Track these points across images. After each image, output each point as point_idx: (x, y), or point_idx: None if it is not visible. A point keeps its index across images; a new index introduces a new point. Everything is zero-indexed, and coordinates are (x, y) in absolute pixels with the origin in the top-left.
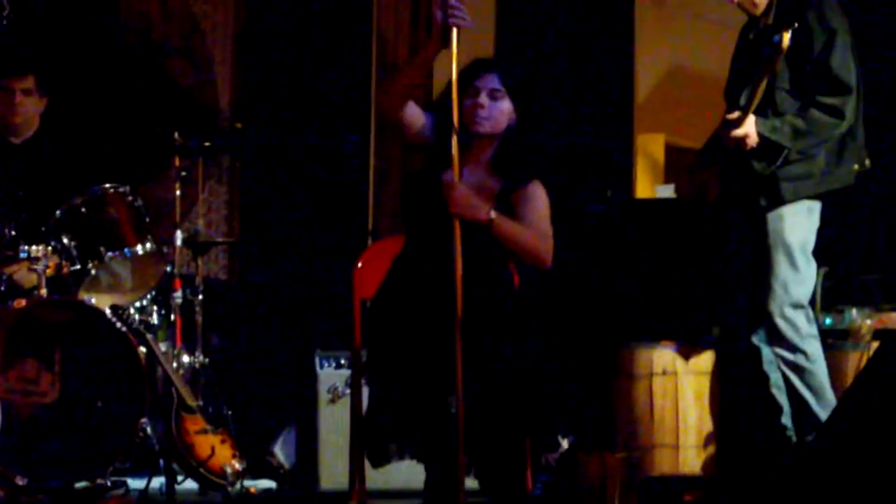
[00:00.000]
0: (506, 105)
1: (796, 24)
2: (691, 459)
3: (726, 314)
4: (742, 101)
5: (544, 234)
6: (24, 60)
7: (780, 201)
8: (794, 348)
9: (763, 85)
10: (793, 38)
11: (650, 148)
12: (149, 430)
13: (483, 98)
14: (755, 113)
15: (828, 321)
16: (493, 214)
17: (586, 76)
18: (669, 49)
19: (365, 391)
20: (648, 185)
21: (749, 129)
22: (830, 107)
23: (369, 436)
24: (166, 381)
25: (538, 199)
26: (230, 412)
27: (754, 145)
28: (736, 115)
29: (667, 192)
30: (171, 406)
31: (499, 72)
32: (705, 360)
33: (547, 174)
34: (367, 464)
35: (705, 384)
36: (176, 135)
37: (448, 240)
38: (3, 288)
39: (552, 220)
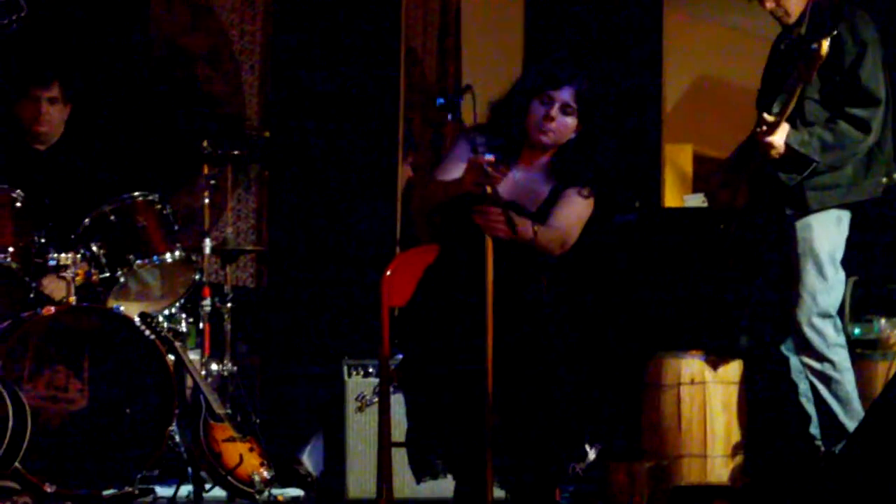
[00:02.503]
0: (572, 121)
1: (835, 32)
2: (719, 469)
3: (754, 323)
4: (775, 109)
5: (564, 227)
6: (49, 69)
7: (806, 210)
8: (821, 358)
9: (797, 93)
10: (830, 46)
11: (678, 158)
12: (177, 438)
13: (555, 111)
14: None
15: (856, 331)
16: (534, 230)
17: (615, 86)
18: (697, 60)
19: (393, 399)
20: (677, 195)
21: (778, 138)
22: (858, 119)
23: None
24: (195, 389)
25: (572, 202)
26: (258, 420)
27: (778, 156)
28: (773, 117)
29: (695, 201)
30: (199, 414)
31: (575, 88)
32: (733, 369)
33: (601, 182)
34: (394, 472)
35: (733, 394)
36: (205, 143)
37: (480, 250)
38: (32, 296)
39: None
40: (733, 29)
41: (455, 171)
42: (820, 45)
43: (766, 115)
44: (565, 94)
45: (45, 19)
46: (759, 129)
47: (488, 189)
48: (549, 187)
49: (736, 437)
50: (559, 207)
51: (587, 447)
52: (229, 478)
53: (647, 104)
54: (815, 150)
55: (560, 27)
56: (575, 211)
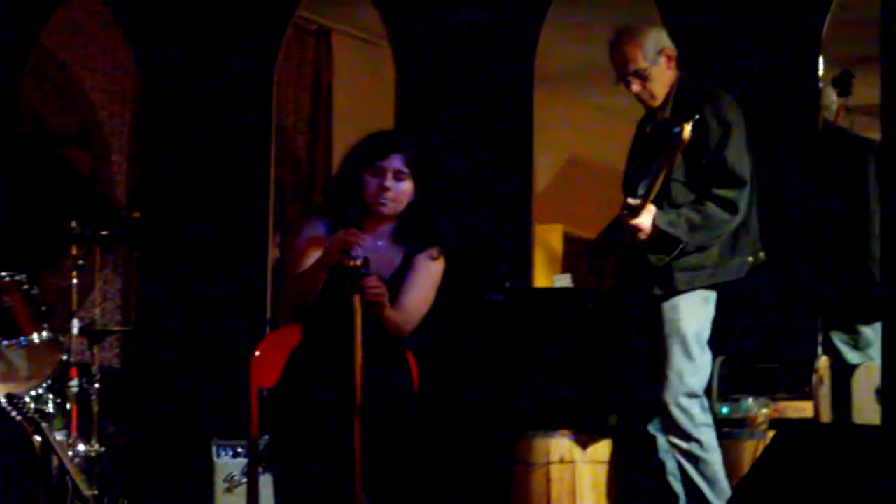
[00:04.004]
0: (408, 185)
1: (697, 117)
2: None
3: (623, 403)
4: (640, 191)
5: (412, 309)
6: None
7: (674, 291)
8: (688, 437)
9: (662, 176)
10: (692, 131)
11: (548, 238)
12: None
13: (389, 181)
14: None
15: (724, 410)
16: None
17: (485, 166)
18: (567, 139)
19: (262, 480)
20: (546, 275)
21: (644, 220)
22: (725, 200)
23: None
24: (61, 470)
25: (424, 273)
26: (126, 502)
27: (645, 238)
28: (637, 201)
29: (564, 281)
30: (66, 496)
31: (404, 152)
32: (602, 448)
33: (447, 241)
34: None
35: (602, 473)
36: (73, 223)
37: (347, 330)
38: None
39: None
40: (603, 109)
41: (312, 255)
42: (682, 130)
43: (630, 200)
44: (395, 162)
45: None
46: (624, 212)
47: (352, 262)
48: (400, 255)
49: None
50: (411, 281)
51: None
52: None
53: (518, 184)
54: (683, 232)
55: (431, 104)
56: (426, 282)
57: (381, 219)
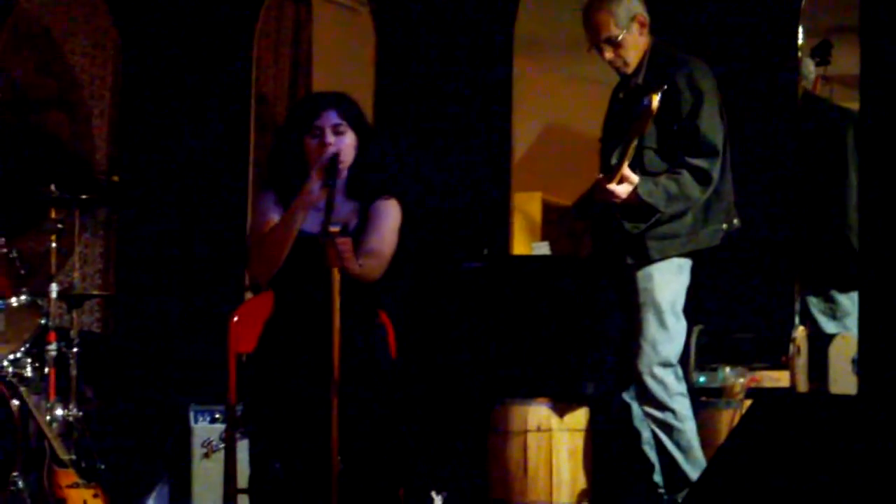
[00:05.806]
0: (350, 137)
1: (666, 87)
2: None
3: (599, 371)
4: (613, 160)
5: (377, 252)
6: None
7: (646, 260)
8: (662, 406)
9: (633, 144)
10: (661, 100)
11: (527, 206)
12: (20, 483)
13: (329, 137)
14: None
15: (701, 379)
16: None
17: (464, 134)
18: (546, 107)
19: (239, 445)
20: (525, 243)
21: (622, 188)
22: (699, 169)
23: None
24: (39, 434)
25: (383, 216)
26: (103, 466)
27: (619, 202)
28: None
29: (543, 249)
30: (43, 459)
31: (336, 107)
32: (579, 416)
33: (400, 189)
34: None
35: (579, 441)
36: (52, 187)
37: (320, 297)
38: None
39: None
40: (582, 77)
41: (273, 219)
42: (650, 101)
43: (602, 177)
44: (330, 117)
45: None
46: (601, 177)
47: (332, 229)
48: (351, 207)
49: (581, 484)
50: (371, 227)
51: (433, 494)
52: None
53: (496, 152)
54: (661, 201)
55: (411, 74)
56: (385, 225)
57: None
